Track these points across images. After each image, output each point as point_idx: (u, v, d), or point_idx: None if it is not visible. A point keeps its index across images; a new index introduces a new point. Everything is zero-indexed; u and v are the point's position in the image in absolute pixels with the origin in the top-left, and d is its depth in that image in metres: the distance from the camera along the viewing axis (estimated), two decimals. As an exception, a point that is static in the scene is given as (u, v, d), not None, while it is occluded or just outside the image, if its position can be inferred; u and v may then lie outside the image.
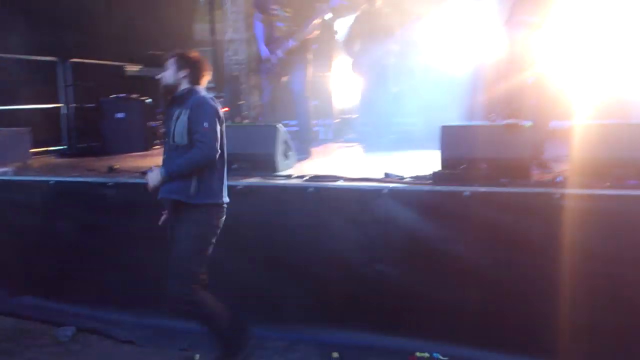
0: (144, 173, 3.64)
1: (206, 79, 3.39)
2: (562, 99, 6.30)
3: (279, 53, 5.76)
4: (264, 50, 5.88)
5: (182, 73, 3.28)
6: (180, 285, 3.18)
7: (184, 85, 3.30)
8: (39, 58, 6.89)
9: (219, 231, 3.29)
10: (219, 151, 3.22)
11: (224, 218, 3.31)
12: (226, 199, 3.31)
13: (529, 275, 3.45)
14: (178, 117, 3.21)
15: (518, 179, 3.66)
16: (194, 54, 3.38)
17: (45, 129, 6.71)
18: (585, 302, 3.30)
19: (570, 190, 3.43)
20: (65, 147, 6.81)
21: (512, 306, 3.48)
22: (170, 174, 3.18)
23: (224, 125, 3.31)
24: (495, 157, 3.76)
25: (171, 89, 3.32)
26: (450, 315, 3.59)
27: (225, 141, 3.31)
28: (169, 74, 3.31)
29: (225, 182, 3.34)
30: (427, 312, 3.65)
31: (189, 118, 3.18)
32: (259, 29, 5.91)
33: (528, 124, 3.93)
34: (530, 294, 3.45)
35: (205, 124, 3.14)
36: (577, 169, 3.69)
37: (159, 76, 3.38)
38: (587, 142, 3.71)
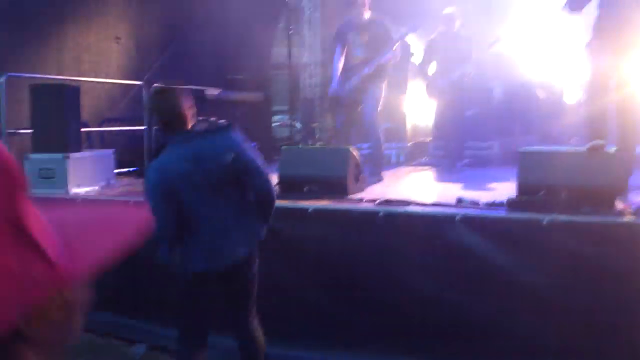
0: None
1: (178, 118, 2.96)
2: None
3: (355, 80, 5.78)
4: (332, 89, 5.95)
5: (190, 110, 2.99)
6: None
7: (193, 122, 2.98)
8: (126, 82, 7.27)
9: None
10: None
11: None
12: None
13: (610, 308, 3.26)
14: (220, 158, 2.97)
15: (601, 207, 3.48)
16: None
17: (129, 150, 7.04)
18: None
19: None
20: (145, 168, 7.09)
21: (591, 339, 3.29)
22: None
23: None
24: (577, 184, 3.59)
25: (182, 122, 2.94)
26: (525, 347, 3.43)
27: None
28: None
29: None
30: (501, 343, 3.50)
31: (237, 157, 2.96)
32: (336, 64, 5.95)
33: (612, 149, 3.75)
34: (612, 327, 3.25)
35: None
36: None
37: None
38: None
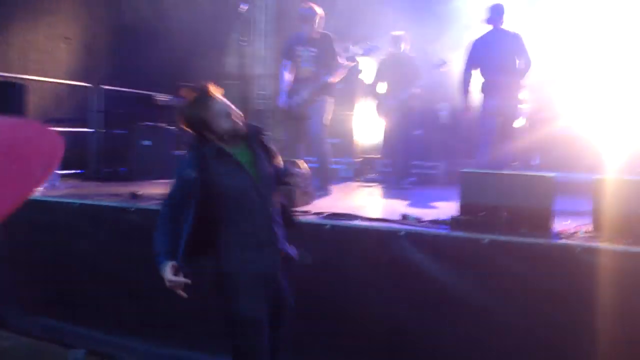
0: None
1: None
2: (590, 151, 6.34)
3: (303, 94, 5.84)
4: (280, 100, 6.00)
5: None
6: None
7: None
8: (73, 83, 7.12)
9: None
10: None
11: None
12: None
13: (545, 327, 3.40)
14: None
15: (538, 229, 3.64)
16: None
17: (74, 152, 6.88)
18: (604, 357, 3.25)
19: (591, 245, 3.42)
20: (91, 171, 6.94)
21: (527, 356, 3.42)
22: None
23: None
24: (515, 205, 3.75)
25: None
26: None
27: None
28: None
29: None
30: (440, 356, 3.60)
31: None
32: (282, 72, 6.01)
33: (551, 175, 3.93)
34: (546, 346, 3.39)
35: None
36: (600, 223, 3.67)
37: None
38: (612, 197, 3.69)
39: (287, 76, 5.99)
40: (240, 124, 2.78)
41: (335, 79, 5.85)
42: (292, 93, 5.92)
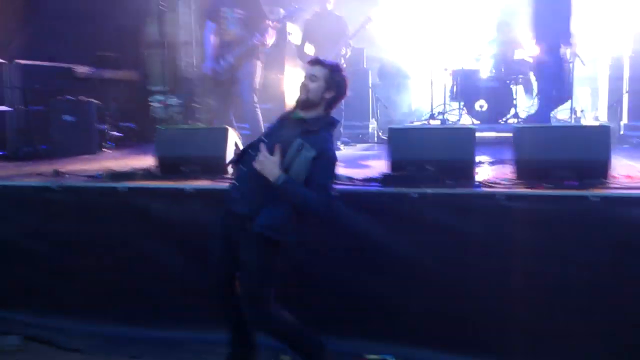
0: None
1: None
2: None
3: (230, 58, 5.71)
4: (206, 66, 5.85)
5: (328, 94, 2.96)
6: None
7: (320, 110, 2.97)
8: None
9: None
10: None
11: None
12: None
13: (475, 275, 3.54)
14: (299, 151, 2.83)
15: (462, 180, 3.76)
16: (345, 73, 3.04)
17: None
18: (528, 302, 3.43)
19: (513, 191, 3.56)
20: (11, 151, 6.63)
21: (458, 306, 3.56)
22: (285, 188, 2.81)
23: None
24: (441, 158, 3.84)
25: (308, 104, 2.95)
26: (398, 316, 3.65)
27: None
28: (316, 88, 2.93)
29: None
30: (375, 313, 3.70)
31: (314, 161, 2.85)
32: (207, 34, 5.83)
33: (471, 126, 4.05)
34: (475, 294, 3.54)
35: (332, 181, 2.93)
36: (520, 171, 3.83)
37: (302, 83, 2.95)
38: (531, 144, 3.85)
39: (212, 40, 5.81)
40: None
41: (263, 41, 5.72)
42: (218, 58, 5.78)
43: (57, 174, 4.70)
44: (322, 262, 3.78)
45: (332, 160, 2.95)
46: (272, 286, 3.03)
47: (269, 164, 2.80)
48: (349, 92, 3.11)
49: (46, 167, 5.10)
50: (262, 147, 2.87)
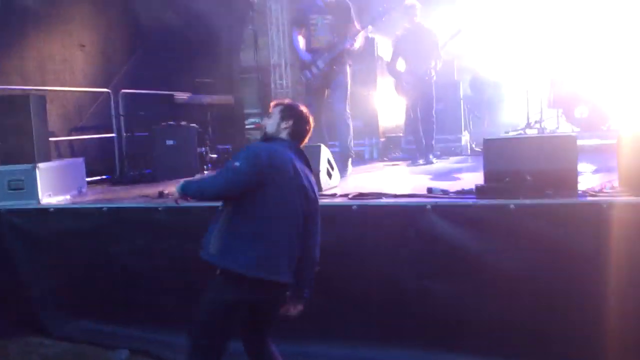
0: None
1: (307, 137, 3.15)
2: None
3: (320, 64, 5.69)
4: (306, 55, 5.76)
5: (284, 124, 3.09)
6: None
7: (283, 137, 3.08)
8: (91, 90, 7.22)
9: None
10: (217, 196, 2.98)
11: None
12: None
13: (578, 287, 3.36)
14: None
15: (563, 190, 3.58)
16: (302, 107, 3.17)
17: (98, 159, 6.99)
18: (634, 313, 3.21)
19: (618, 200, 3.35)
20: (116, 175, 7.05)
21: (560, 319, 3.40)
22: (184, 191, 3.01)
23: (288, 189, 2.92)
24: (539, 168, 3.68)
25: (269, 138, 3.10)
26: (498, 329, 3.52)
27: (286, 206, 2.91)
28: (271, 123, 3.11)
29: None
30: (476, 326, 3.59)
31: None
32: (296, 41, 5.84)
33: (572, 134, 3.86)
34: (579, 306, 3.36)
35: (236, 163, 2.87)
36: (625, 178, 3.60)
37: (262, 122, 3.20)
38: (635, 151, 3.60)
39: (302, 46, 5.81)
40: None
41: (352, 46, 5.68)
42: (310, 65, 5.75)
43: (161, 195, 4.93)
44: (418, 277, 3.71)
45: (248, 148, 2.97)
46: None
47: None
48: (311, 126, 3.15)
49: (150, 190, 5.37)
50: None
